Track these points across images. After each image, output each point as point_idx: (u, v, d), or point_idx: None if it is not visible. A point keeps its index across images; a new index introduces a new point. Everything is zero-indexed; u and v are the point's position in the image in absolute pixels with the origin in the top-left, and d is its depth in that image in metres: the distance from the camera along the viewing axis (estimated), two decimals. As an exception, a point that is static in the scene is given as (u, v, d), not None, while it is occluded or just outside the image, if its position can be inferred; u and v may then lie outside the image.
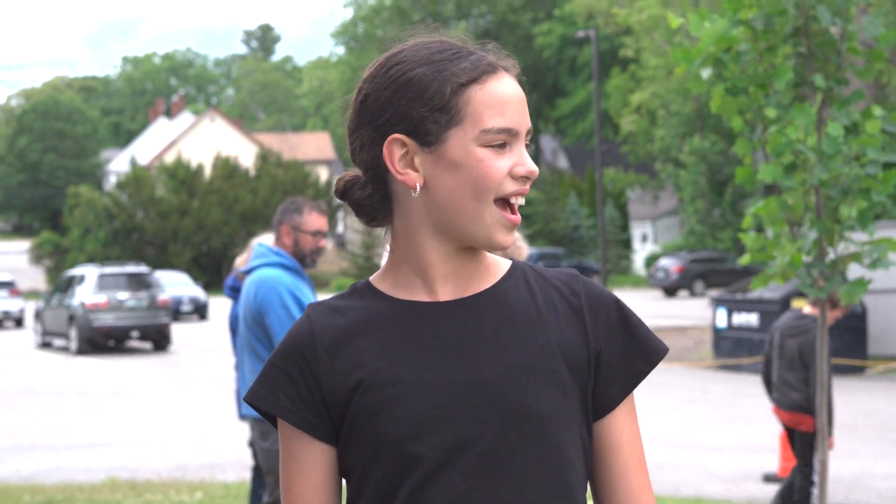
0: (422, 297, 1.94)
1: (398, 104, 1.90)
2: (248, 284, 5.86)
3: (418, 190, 1.90)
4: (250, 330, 5.76)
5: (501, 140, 1.89)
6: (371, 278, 1.99)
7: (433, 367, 1.89)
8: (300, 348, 1.93)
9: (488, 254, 1.99)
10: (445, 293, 1.94)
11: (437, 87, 1.89)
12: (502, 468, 1.87)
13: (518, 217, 1.92)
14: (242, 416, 6.67)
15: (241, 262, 7.50)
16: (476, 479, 1.86)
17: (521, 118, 1.91)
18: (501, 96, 1.90)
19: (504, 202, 1.90)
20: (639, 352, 1.98)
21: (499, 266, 1.99)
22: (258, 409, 1.95)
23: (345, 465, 1.93)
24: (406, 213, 1.93)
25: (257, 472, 7.31)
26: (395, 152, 1.90)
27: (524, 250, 4.38)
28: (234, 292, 7.57)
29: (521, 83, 1.96)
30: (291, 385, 1.93)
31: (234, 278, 7.64)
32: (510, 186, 1.89)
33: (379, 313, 1.94)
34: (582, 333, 1.94)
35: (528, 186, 1.93)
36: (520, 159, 1.91)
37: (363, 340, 1.92)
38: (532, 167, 1.91)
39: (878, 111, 6.24)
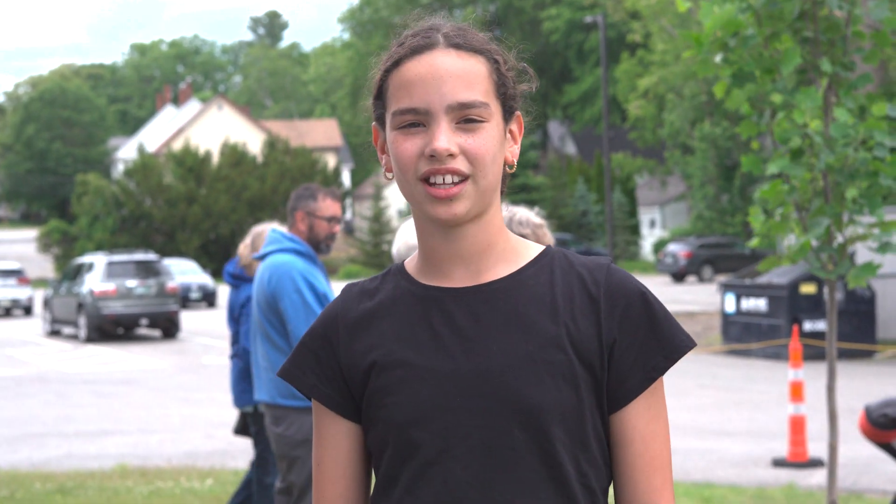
0: (441, 281, 1.95)
1: (371, 95, 2.00)
2: (261, 270, 5.85)
3: (384, 171, 1.98)
4: (264, 315, 5.76)
5: (409, 121, 1.88)
6: (406, 261, 2.01)
7: (441, 354, 1.89)
8: (325, 328, 1.98)
9: (511, 238, 1.98)
10: (461, 278, 1.94)
11: (375, 75, 1.96)
12: (501, 459, 1.87)
13: (442, 191, 1.86)
14: (255, 402, 6.66)
15: (243, 248, 7.50)
16: (474, 469, 1.87)
17: (433, 95, 1.87)
18: (410, 77, 1.88)
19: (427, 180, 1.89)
20: (659, 347, 1.91)
21: (526, 251, 1.98)
22: (292, 385, 2.00)
23: (368, 446, 1.96)
24: None
25: (257, 460, 7.29)
26: (377, 138, 2.00)
27: (549, 238, 4.29)
28: (234, 279, 7.58)
29: (467, 50, 1.89)
30: (317, 364, 1.97)
31: (234, 265, 7.63)
32: (423, 167, 1.87)
33: (401, 297, 1.96)
34: (596, 324, 1.90)
35: (445, 164, 1.85)
36: (430, 138, 1.87)
37: (382, 323, 1.95)
38: (436, 144, 1.85)
39: (882, 100, 6.23)
